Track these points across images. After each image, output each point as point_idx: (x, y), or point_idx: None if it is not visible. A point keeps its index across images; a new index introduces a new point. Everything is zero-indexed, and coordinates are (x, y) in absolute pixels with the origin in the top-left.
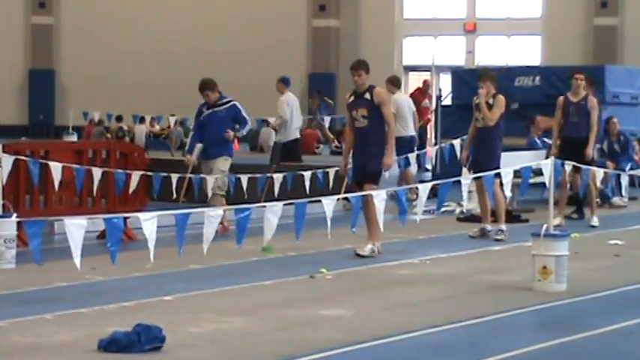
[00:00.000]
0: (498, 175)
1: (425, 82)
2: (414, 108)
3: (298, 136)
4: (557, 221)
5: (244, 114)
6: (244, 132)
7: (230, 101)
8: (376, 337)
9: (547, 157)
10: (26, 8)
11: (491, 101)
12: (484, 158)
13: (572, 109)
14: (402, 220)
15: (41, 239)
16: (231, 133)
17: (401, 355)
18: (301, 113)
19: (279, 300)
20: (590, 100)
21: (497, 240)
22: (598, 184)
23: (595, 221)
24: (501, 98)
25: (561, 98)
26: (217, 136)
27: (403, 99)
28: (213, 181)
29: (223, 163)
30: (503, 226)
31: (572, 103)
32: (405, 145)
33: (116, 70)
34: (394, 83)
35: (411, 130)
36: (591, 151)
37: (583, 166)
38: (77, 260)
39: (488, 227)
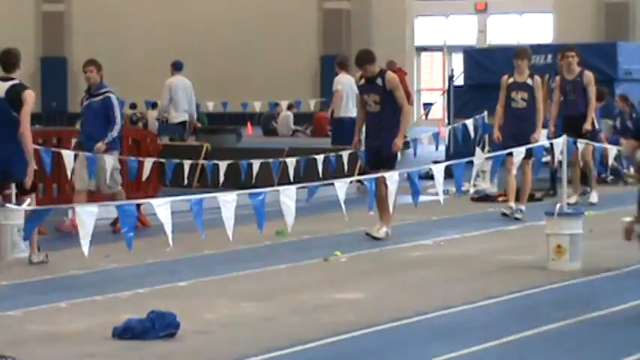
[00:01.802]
0: (529, 155)
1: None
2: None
3: (186, 118)
4: (573, 199)
5: (117, 112)
6: (114, 134)
7: (106, 92)
8: (390, 320)
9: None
10: None
11: (529, 82)
12: (524, 137)
13: (569, 87)
14: (415, 202)
15: (39, 221)
16: (101, 147)
17: (416, 337)
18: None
19: (293, 284)
20: (586, 75)
21: (516, 219)
22: (610, 161)
23: (594, 198)
24: (539, 80)
25: (557, 78)
26: (93, 131)
27: (345, 81)
28: (107, 179)
29: (110, 160)
30: (523, 207)
31: (568, 81)
32: (347, 128)
33: (128, 56)
34: (342, 66)
35: (352, 112)
36: (589, 125)
37: (591, 142)
38: (85, 248)
39: (513, 205)
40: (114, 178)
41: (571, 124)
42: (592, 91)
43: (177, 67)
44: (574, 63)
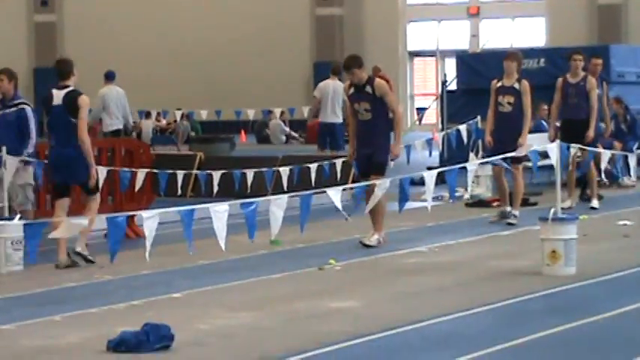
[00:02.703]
0: (519, 160)
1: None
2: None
3: (120, 127)
4: (567, 203)
5: (32, 125)
6: (29, 150)
7: (20, 103)
8: (385, 328)
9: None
10: (29, 6)
11: (516, 86)
12: (510, 142)
13: (571, 90)
14: (400, 208)
15: (38, 240)
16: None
17: (410, 345)
18: None
19: (288, 293)
20: (589, 80)
21: (509, 224)
22: (604, 165)
23: (595, 203)
24: (527, 85)
25: (560, 80)
26: (6, 144)
27: (324, 87)
28: (18, 195)
29: (25, 175)
30: (517, 212)
31: (571, 84)
32: (324, 132)
33: (120, 66)
34: (334, 71)
35: (329, 118)
36: (592, 133)
37: (586, 148)
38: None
39: (508, 209)
40: (26, 194)
41: (570, 128)
42: (594, 97)
43: (109, 77)
44: (580, 67)
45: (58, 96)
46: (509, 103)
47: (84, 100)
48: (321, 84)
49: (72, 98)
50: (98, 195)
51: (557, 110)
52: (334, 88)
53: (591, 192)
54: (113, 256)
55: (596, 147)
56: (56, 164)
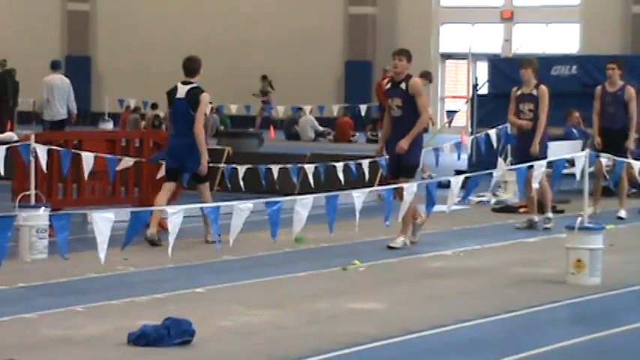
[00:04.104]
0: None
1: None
2: None
3: (65, 116)
4: (590, 211)
5: None
6: None
7: None
8: (407, 332)
9: (583, 148)
10: None
11: (534, 92)
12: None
13: (608, 99)
14: (428, 212)
15: (68, 232)
16: None
17: (432, 350)
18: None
19: (310, 292)
20: (628, 90)
21: (545, 229)
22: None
23: (623, 213)
24: (545, 90)
25: (599, 88)
26: None
27: None
28: None
29: None
30: (550, 214)
31: (609, 93)
32: None
33: (152, 56)
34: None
35: None
36: (631, 144)
37: (618, 158)
38: (102, 254)
39: (536, 218)
40: None
41: (606, 136)
42: (633, 107)
43: (53, 65)
44: (615, 75)
45: (182, 90)
46: (530, 110)
47: (204, 98)
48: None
49: (194, 94)
50: (207, 183)
51: (598, 118)
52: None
53: (620, 202)
54: (125, 245)
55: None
56: (174, 152)
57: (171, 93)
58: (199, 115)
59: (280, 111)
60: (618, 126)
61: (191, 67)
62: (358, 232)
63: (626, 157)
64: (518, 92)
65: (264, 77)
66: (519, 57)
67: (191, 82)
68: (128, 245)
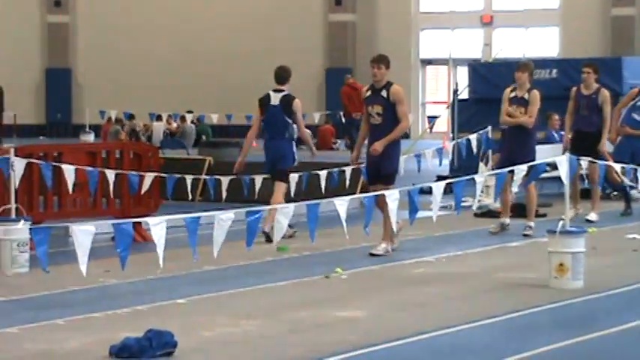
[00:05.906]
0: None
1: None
2: None
3: None
4: (572, 213)
5: None
6: None
7: None
8: (391, 339)
9: (564, 152)
10: (42, 7)
11: (526, 96)
12: (521, 153)
13: (583, 102)
14: (411, 220)
15: (48, 245)
16: None
17: (416, 356)
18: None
19: (293, 301)
20: (602, 93)
21: (524, 235)
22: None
23: (593, 217)
24: (537, 94)
25: (574, 89)
26: None
27: None
28: None
29: None
30: (532, 223)
31: (584, 96)
32: None
33: (132, 68)
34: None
35: None
36: (604, 147)
37: (596, 161)
38: (83, 267)
39: (507, 221)
40: None
41: (580, 139)
42: (607, 110)
43: None
44: (590, 79)
45: (275, 98)
46: (521, 114)
47: (298, 104)
48: None
49: (288, 101)
50: (284, 184)
51: (570, 117)
52: None
53: (592, 205)
54: (123, 263)
55: (605, 159)
56: (269, 154)
57: (264, 100)
58: (300, 121)
59: None
60: (592, 129)
61: (282, 75)
62: (340, 240)
63: (600, 160)
64: (512, 94)
65: None
66: (500, 61)
67: (282, 90)
68: (126, 261)
